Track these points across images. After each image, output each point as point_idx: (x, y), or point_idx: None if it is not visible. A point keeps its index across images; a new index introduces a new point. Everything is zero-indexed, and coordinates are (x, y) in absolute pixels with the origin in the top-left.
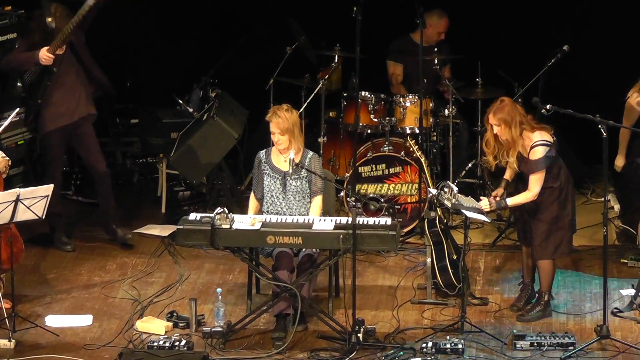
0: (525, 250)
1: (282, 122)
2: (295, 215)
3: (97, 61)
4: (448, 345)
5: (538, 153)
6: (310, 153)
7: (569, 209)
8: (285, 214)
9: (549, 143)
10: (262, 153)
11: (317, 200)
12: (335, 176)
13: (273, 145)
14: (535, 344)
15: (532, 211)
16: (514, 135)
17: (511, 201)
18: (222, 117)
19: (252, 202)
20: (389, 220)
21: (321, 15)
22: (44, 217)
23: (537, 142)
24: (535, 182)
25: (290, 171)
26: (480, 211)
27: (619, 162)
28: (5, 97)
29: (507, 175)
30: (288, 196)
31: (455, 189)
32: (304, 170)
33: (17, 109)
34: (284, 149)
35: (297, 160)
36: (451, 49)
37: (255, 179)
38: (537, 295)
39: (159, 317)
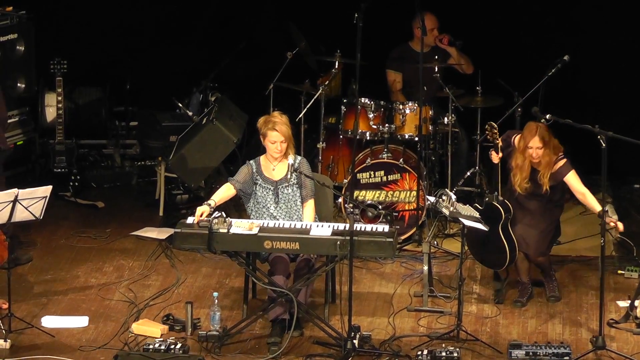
0: (520, 256)
1: (285, 128)
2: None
3: (97, 62)
4: (444, 354)
5: (562, 161)
6: (299, 157)
7: None
8: None
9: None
10: (252, 163)
11: (310, 205)
12: (333, 182)
13: (264, 153)
14: (531, 354)
15: (536, 221)
16: (552, 155)
17: (589, 206)
18: (221, 121)
19: (228, 190)
20: (386, 227)
21: (322, 21)
22: (41, 218)
23: (561, 156)
24: (578, 181)
25: (289, 176)
26: (477, 220)
27: None
28: (6, 98)
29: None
30: (280, 205)
31: (454, 197)
32: (294, 176)
33: None
34: (282, 156)
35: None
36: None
37: (242, 175)
38: (548, 280)
39: (155, 320)
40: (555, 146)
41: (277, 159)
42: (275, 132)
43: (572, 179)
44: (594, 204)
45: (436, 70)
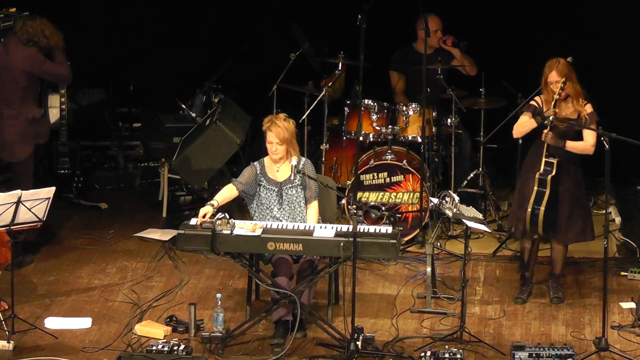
0: (531, 244)
1: (282, 131)
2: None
3: (101, 64)
4: (447, 355)
5: (590, 107)
6: (303, 159)
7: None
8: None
9: None
10: (257, 164)
11: (314, 206)
12: (336, 183)
13: (266, 154)
14: (534, 355)
15: (563, 207)
16: (577, 88)
17: (570, 144)
18: (224, 122)
19: (231, 191)
20: (389, 229)
21: (325, 23)
22: (44, 219)
23: (588, 101)
24: (592, 135)
25: (292, 177)
26: (481, 221)
27: None
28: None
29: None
30: (284, 207)
31: (457, 198)
32: (298, 177)
33: None
34: (280, 159)
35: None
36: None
37: (245, 177)
38: (554, 281)
39: (158, 322)
40: (576, 81)
41: (276, 160)
42: (271, 133)
43: (592, 133)
44: (581, 149)
45: (439, 72)
